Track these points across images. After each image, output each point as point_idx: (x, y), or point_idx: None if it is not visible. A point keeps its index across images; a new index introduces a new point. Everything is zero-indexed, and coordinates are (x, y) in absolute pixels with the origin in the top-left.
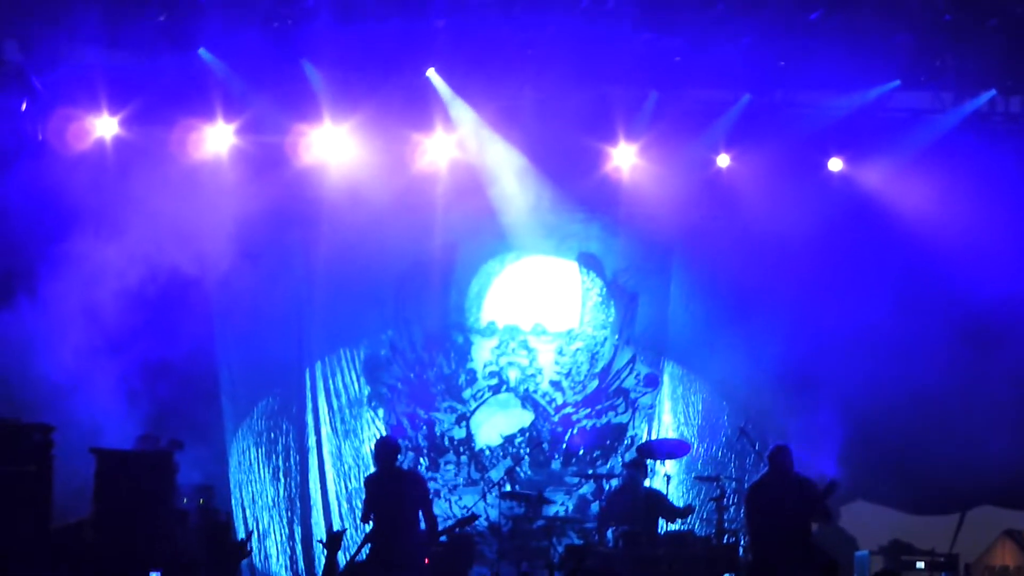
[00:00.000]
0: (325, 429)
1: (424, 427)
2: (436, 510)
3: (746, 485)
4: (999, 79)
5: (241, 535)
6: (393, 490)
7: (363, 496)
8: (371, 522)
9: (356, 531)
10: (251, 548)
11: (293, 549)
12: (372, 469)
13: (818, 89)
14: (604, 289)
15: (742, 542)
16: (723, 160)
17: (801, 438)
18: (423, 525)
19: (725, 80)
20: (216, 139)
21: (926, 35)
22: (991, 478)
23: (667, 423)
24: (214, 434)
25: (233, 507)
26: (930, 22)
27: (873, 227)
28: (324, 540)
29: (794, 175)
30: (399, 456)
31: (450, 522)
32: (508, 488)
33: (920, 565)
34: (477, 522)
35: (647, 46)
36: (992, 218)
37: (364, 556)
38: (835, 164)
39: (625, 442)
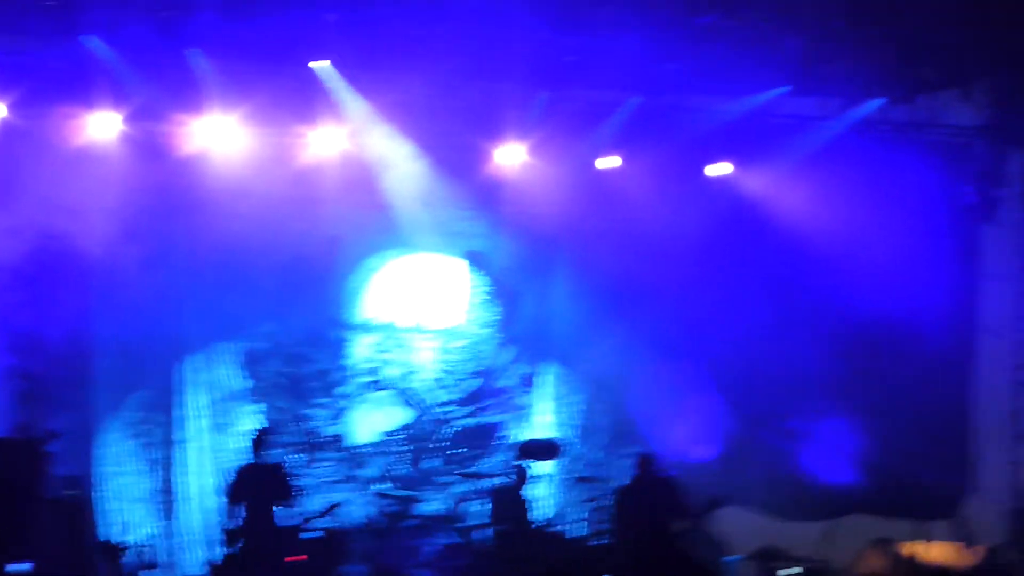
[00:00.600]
0: (200, 422)
1: (300, 423)
2: (310, 507)
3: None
4: (887, 87)
5: (112, 527)
6: (262, 482)
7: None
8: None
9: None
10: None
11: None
12: (246, 462)
13: (707, 93)
14: (488, 287)
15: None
16: (611, 161)
17: (680, 440)
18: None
19: (615, 81)
20: (103, 126)
21: (816, 41)
22: (862, 486)
23: (547, 423)
24: (87, 423)
25: (103, 499)
26: (820, 29)
27: (757, 232)
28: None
29: (681, 178)
30: (269, 449)
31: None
32: (383, 486)
33: (790, 571)
34: (352, 520)
35: (538, 45)
36: (875, 226)
37: (236, 551)
38: (722, 168)
39: (504, 442)
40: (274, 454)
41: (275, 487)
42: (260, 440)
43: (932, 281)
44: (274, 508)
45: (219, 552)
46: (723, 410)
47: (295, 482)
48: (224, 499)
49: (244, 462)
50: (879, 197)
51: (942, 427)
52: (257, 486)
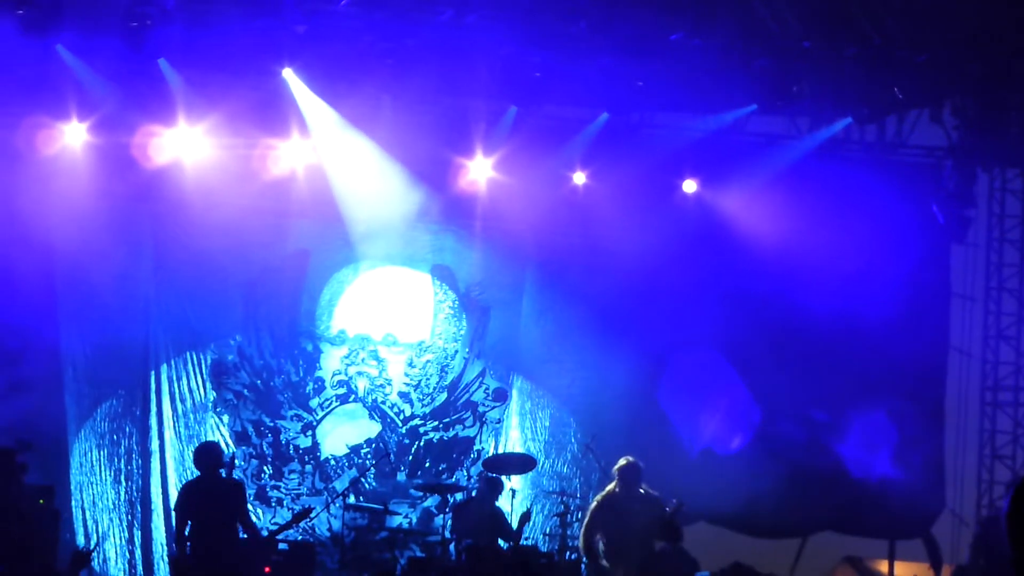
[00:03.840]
0: (169, 433)
1: (269, 435)
2: (279, 519)
3: (592, 500)
4: (855, 107)
5: (80, 537)
6: (216, 496)
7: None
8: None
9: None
10: (92, 554)
11: (132, 553)
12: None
13: (675, 111)
14: (456, 302)
15: (584, 558)
16: (579, 178)
17: (647, 458)
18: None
19: (584, 98)
20: (70, 136)
21: (784, 61)
22: (832, 503)
23: (515, 438)
24: (57, 433)
25: (73, 509)
26: (789, 48)
27: (726, 250)
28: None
29: (649, 195)
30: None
31: (283, 522)
32: (352, 499)
33: None
34: (319, 532)
35: (507, 60)
36: (845, 246)
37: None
38: (689, 186)
39: (472, 456)
40: (247, 467)
41: (229, 499)
42: (215, 451)
43: (902, 301)
44: (230, 520)
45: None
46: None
47: (248, 499)
48: (176, 514)
49: (200, 473)
50: (848, 217)
51: (913, 446)
52: (212, 498)
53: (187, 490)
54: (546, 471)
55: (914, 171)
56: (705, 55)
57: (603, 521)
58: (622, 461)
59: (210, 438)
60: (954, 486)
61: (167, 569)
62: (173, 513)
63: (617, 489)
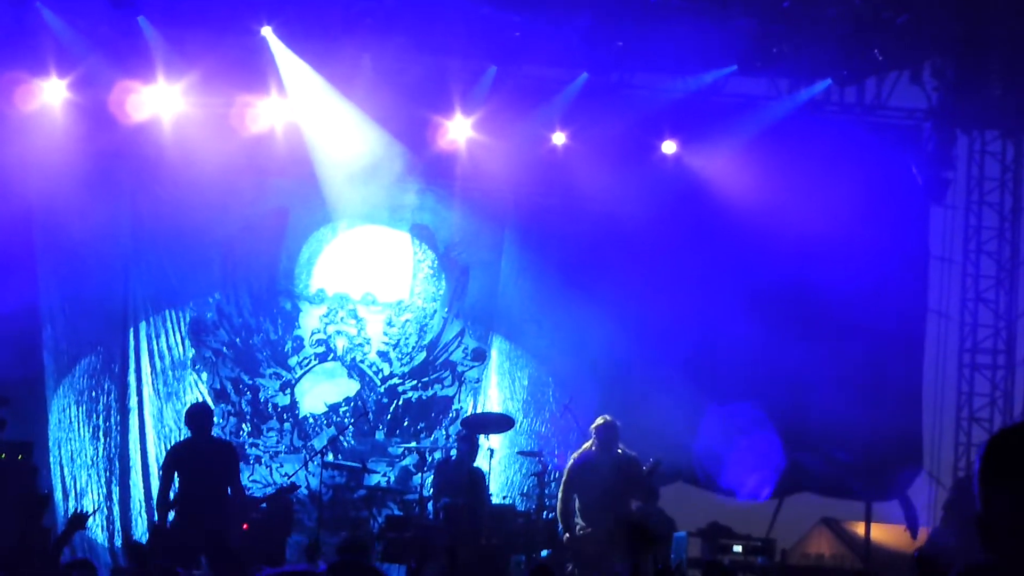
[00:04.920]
0: (147, 390)
1: (248, 393)
2: (256, 476)
3: (568, 458)
4: (835, 68)
5: (58, 493)
6: (207, 457)
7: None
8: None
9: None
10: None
11: (110, 509)
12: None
13: (655, 71)
14: (436, 261)
15: (559, 518)
16: (559, 138)
17: (623, 418)
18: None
19: (563, 58)
20: (49, 93)
21: (765, 21)
22: (810, 465)
23: (493, 397)
24: (35, 389)
25: (51, 464)
26: (769, 9)
27: (705, 211)
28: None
29: (629, 156)
30: (213, 423)
31: (270, 490)
32: (330, 457)
33: (737, 549)
34: (297, 490)
35: (487, 20)
36: (823, 207)
37: (170, 521)
38: (669, 147)
39: (450, 415)
40: (225, 424)
41: (220, 461)
42: (206, 412)
43: (880, 263)
44: (220, 481)
45: (160, 520)
46: (668, 389)
47: (239, 459)
48: (162, 472)
49: (191, 434)
50: (827, 178)
51: (891, 408)
52: (202, 459)
53: (176, 450)
54: (524, 430)
55: (894, 133)
56: (685, 15)
57: (579, 480)
58: (599, 420)
59: (189, 396)
60: (931, 449)
61: (145, 526)
62: (159, 473)
63: (594, 448)
